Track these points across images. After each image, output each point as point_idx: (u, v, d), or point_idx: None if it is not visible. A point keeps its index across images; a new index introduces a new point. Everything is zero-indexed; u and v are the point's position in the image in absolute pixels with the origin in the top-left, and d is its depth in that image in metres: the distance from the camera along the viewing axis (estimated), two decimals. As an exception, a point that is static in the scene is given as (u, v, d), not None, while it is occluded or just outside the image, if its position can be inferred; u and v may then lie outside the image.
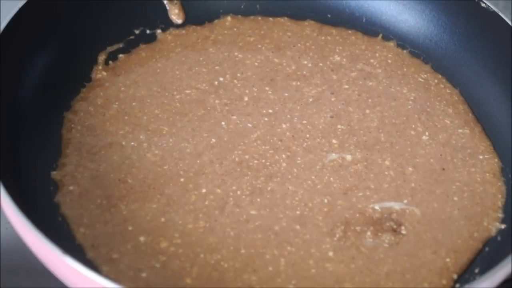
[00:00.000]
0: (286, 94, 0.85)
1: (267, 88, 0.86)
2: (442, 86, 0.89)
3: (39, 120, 0.79)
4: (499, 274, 0.65)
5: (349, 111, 0.84)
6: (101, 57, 0.87)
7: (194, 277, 0.69)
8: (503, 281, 0.67)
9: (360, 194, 0.77)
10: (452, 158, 0.81)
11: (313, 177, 0.78)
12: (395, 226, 0.74)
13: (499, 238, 0.76)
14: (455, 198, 0.78)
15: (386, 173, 0.79)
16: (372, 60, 0.90)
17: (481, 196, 0.78)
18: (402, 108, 0.86)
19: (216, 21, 0.93)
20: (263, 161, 0.79)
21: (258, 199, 0.75)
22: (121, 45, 0.89)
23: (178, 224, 0.73)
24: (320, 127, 0.82)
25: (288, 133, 0.81)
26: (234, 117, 0.82)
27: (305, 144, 0.81)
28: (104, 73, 0.86)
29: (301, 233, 0.73)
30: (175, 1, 0.92)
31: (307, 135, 0.82)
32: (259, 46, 0.91)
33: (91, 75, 0.85)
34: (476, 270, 0.73)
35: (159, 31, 0.91)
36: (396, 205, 0.76)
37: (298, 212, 0.75)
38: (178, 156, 0.78)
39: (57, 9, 0.84)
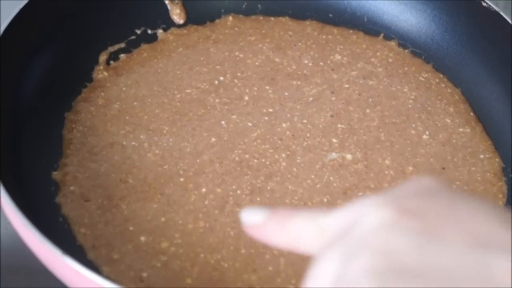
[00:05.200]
0: (286, 94, 0.85)
1: (267, 87, 0.86)
2: (443, 85, 0.89)
3: (40, 121, 0.79)
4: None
5: (349, 110, 0.84)
6: (102, 57, 0.87)
7: (195, 277, 0.69)
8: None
9: (360, 193, 0.77)
10: (452, 158, 0.81)
11: (312, 176, 0.78)
12: (395, 226, 0.74)
13: (500, 237, 0.75)
14: (455, 198, 0.77)
15: (386, 172, 0.79)
16: (373, 59, 0.90)
17: (482, 196, 0.78)
18: (402, 107, 0.85)
19: (217, 20, 0.93)
20: (263, 160, 0.79)
21: (258, 198, 0.75)
22: (122, 45, 0.88)
23: (179, 224, 0.73)
24: (320, 126, 0.82)
25: (288, 132, 0.81)
26: (234, 116, 0.82)
27: (305, 143, 0.81)
28: (106, 73, 0.86)
29: (300, 232, 0.73)
30: (177, 1, 0.92)
31: (307, 134, 0.81)
32: (260, 45, 0.90)
33: (92, 75, 0.85)
34: (477, 270, 0.73)
35: (160, 31, 0.91)
36: (396, 205, 0.76)
37: (297, 212, 0.75)
38: (178, 156, 0.78)
39: (58, 9, 0.84)
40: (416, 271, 0.36)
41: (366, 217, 0.42)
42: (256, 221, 0.50)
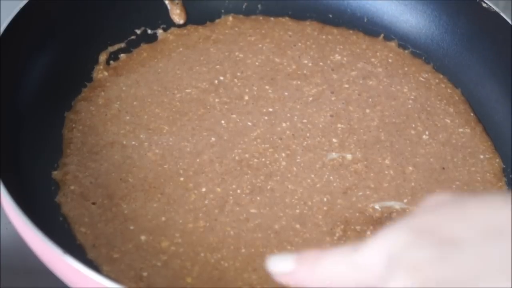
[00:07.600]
0: (286, 93, 0.85)
1: (267, 87, 0.86)
2: (443, 85, 0.89)
3: (40, 120, 0.79)
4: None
5: (349, 110, 0.84)
6: (102, 57, 0.87)
7: (195, 276, 0.69)
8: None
9: (360, 193, 0.77)
10: (452, 158, 0.81)
11: (312, 176, 0.78)
12: (395, 225, 0.74)
13: (500, 237, 0.75)
14: (455, 198, 0.77)
15: (386, 172, 0.79)
16: (373, 59, 0.90)
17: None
18: (402, 107, 0.85)
19: (217, 20, 0.93)
20: (263, 159, 0.79)
21: (258, 198, 0.75)
22: (122, 45, 0.89)
23: (179, 223, 0.73)
24: (320, 126, 0.82)
25: (288, 132, 0.81)
26: (234, 115, 0.82)
27: (305, 143, 0.81)
28: (106, 73, 0.86)
29: (301, 232, 0.73)
30: (177, 1, 0.92)
31: (307, 134, 0.82)
32: (260, 45, 0.91)
33: (92, 75, 0.85)
34: (477, 270, 0.73)
35: (160, 31, 0.91)
36: (396, 205, 0.76)
37: (297, 211, 0.75)
38: (178, 155, 0.78)
39: (58, 9, 0.84)
40: (441, 278, 0.41)
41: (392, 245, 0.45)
42: (285, 269, 0.52)
